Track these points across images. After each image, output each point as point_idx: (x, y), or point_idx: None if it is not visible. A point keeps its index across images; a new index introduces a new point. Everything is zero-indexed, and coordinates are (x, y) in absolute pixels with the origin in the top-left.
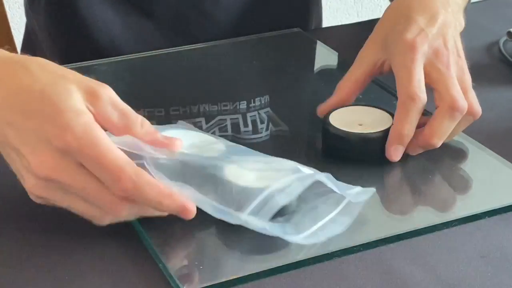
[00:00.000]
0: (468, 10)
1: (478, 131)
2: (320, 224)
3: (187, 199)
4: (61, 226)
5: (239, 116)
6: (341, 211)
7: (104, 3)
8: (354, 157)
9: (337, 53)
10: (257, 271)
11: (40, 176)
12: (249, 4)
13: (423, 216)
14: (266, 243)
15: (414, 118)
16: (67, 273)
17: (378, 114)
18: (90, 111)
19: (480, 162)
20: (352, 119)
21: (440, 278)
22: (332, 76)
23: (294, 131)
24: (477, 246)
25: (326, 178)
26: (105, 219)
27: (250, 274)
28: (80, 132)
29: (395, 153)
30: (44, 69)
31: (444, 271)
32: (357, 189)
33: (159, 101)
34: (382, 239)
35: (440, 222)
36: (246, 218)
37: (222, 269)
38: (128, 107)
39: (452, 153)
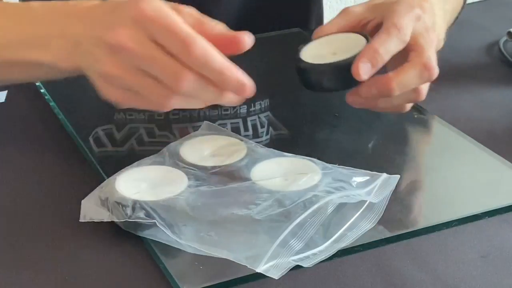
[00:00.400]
0: (468, 10)
1: (478, 131)
2: (347, 225)
3: (245, 77)
4: (61, 226)
5: (239, 121)
6: (366, 208)
7: None
8: (332, 89)
9: None
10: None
11: (114, 46)
12: (250, 5)
13: (423, 216)
14: None
15: (392, 45)
16: (67, 273)
17: (353, 39)
18: None
19: (480, 162)
20: (326, 51)
21: (440, 278)
22: None
23: (294, 135)
24: (477, 246)
25: (341, 197)
26: (169, 99)
27: (250, 274)
28: (156, 5)
29: (362, 68)
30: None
31: (444, 271)
32: (381, 178)
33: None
34: (382, 239)
35: (440, 222)
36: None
37: (222, 269)
38: (206, 18)
39: (452, 153)
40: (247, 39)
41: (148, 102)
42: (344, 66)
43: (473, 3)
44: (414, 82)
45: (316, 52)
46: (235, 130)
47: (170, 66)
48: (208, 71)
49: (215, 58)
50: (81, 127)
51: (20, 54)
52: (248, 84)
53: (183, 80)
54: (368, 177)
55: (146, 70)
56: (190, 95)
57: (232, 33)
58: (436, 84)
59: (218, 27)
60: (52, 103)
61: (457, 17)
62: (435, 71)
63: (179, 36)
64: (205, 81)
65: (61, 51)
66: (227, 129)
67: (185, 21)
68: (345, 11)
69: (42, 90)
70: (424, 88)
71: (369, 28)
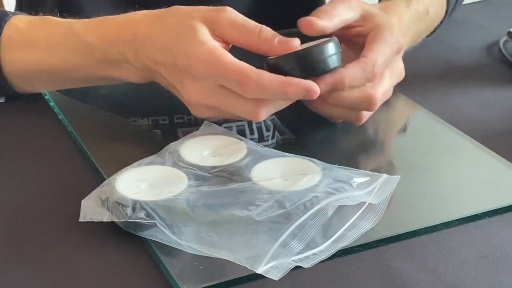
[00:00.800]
0: (468, 10)
1: (478, 131)
2: (347, 225)
3: (307, 81)
4: (61, 226)
5: (245, 123)
6: (366, 208)
7: (106, 1)
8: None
9: None
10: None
11: (193, 104)
12: (252, 4)
13: (423, 216)
14: None
15: (359, 80)
16: (67, 273)
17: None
18: (218, 36)
19: (480, 162)
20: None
21: (440, 278)
22: None
23: (300, 139)
24: (477, 246)
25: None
26: (258, 111)
27: (250, 274)
28: (204, 57)
29: (321, 87)
30: (172, 14)
31: (444, 271)
32: (381, 179)
33: (163, 108)
34: (382, 239)
35: (440, 222)
36: (262, 271)
37: (222, 269)
38: (247, 22)
39: (452, 153)
40: (295, 42)
41: (239, 115)
42: (303, 56)
43: (473, 3)
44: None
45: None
46: (241, 133)
47: (245, 108)
48: (272, 96)
49: (270, 82)
50: (81, 127)
51: (84, 74)
52: (312, 88)
53: (260, 115)
54: (368, 178)
55: (228, 112)
56: (274, 111)
57: (275, 36)
58: (436, 84)
59: (264, 31)
60: (52, 103)
61: (434, 31)
62: (377, 105)
63: (232, 80)
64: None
65: (133, 74)
66: (232, 131)
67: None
68: (350, 5)
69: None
70: (364, 115)
71: (353, 32)
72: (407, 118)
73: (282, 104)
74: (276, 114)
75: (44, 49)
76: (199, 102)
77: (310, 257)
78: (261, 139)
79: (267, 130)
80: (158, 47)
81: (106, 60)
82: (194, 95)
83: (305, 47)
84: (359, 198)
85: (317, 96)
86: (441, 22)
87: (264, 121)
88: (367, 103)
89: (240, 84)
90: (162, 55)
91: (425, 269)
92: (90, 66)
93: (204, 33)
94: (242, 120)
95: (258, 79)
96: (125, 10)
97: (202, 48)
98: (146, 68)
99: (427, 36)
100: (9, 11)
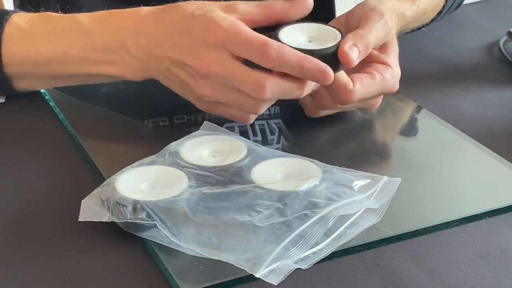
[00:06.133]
0: (468, 10)
1: (478, 131)
2: (346, 224)
3: (324, 64)
4: (61, 226)
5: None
6: (367, 209)
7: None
8: None
9: None
10: None
11: (201, 73)
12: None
13: (423, 216)
14: None
15: (380, 32)
16: (67, 273)
17: (328, 31)
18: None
19: (480, 162)
20: (302, 36)
21: (440, 278)
22: None
23: (304, 143)
24: (477, 246)
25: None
26: (259, 107)
27: (250, 275)
28: (226, 25)
29: (350, 50)
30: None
31: (444, 271)
32: (382, 181)
33: (163, 109)
34: (382, 239)
35: (440, 222)
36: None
37: (222, 269)
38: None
39: (452, 153)
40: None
41: (241, 112)
42: (328, 54)
43: (473, 3)
44: (375, 90)
45: (292, 36)
46: (243, 134)
47: (252, 80)
48: (289, 69)
49: (291, 54)
50: (81, 127)
51: (83, 68)
52: (328, 71)
53: (266, 90)
54: (369, 180)
55: (233, 86)
56: (276, 98)
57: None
58: (436, 84)
59: (279, 2)
60: (52, 103)
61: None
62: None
63: (252, 48)
64: (287, 80)
65: (130, 67)
66: (235, 132)
67: (253, 18)
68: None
69: (42, 90)
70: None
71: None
72: (407, 118)
73: (288, 91)
74: (281, 118)
75: (45, 43)
76: (209, 70)
77: (310, 256)
78: (265, 141)
79: (272, 133)
80: (169, 30)
81: (105, 50)
82: (205, 63)
83: (326, 47)
84: (360, 204)
85: (329, 82)
86: (438, 14)
87: (267, 123)
88: (390, 87)
89: (261, 52)
90: (173, 34)
91: (425, 269)
92: (88, 60)
93: (222, 12)
94: (243, 112)
95: (279, 49)
96: (120, 7)
97: (224, 19)
98: (146, 55)
99: (420, 27)
100: (10, 10)
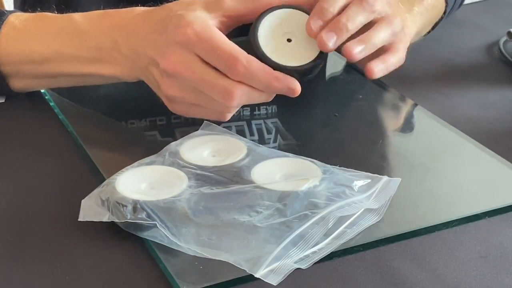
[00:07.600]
0: (468, 10)
1: (478, 131)
2: (346, 223)
3: (292, 80)
4: (61, 226)
5: (244, 123)
6: (367, 209)
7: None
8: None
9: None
10: None
11: (168, 73)
12: None
13: (423, 216)
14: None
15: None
16: (67, 273)
17: (299, 16)
18: (217, 17)
19: (480, 162)
20: (282, 31)
21: (440, 278)
22: (343, 81)
23: (302, 143)
24: (477, 246)
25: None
26: (227, 112)
27: (250, 274)
28: (198, 27)
29: (314, 24)
30: (178, 3)
31: (444, 271)
32: (382, 181)
33: (161, 109)
34: (382, 239)
35: (440, 222)
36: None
37: (222, 269)
38: None
39: (452, 153)
40: None
41: (211, 113)
42: (300, 72)
43: (473, 3)
44: (360, 14)
45: (271, 31)
46: (240, 133)
47: (220, 87)
48: (256, 84)
49: (259, 70)
50: (81, 127)
51: (77, 68)
52: (296, 88)
53: (234, 98)
54: (369, 180)
55: (200, 90)
56: (244, 104)
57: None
58: (436, 84)
59: None
60: (52, 103)
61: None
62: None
63: (222, 56)
64: (256, 90)
65: (120, 66)
66: (232, 132)
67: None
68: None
69: (42, 90)
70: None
71: None
72: (408, 118)
73: (257, 98)
74: (278, 117)
75: (39, 42)
76: (176, 70)
77: (310, 255)
78: (262, 141)
79: (268, 132)
80: (150, 29)
81: (98, 49)
82: (172, 62)
83: (301, 64)
84: (360, 205)
85: (295, 96)
86: (440, 19)
87: (264, 122)
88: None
89: (229, 66)
90: (153, 33)
91: (425, 269)
92: (82, 59)
93: (203, 13)
94: (214, 112)
95: (248, 65)
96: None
97: (199, 20)
98: (133, 54)
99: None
100: (6, 10)
